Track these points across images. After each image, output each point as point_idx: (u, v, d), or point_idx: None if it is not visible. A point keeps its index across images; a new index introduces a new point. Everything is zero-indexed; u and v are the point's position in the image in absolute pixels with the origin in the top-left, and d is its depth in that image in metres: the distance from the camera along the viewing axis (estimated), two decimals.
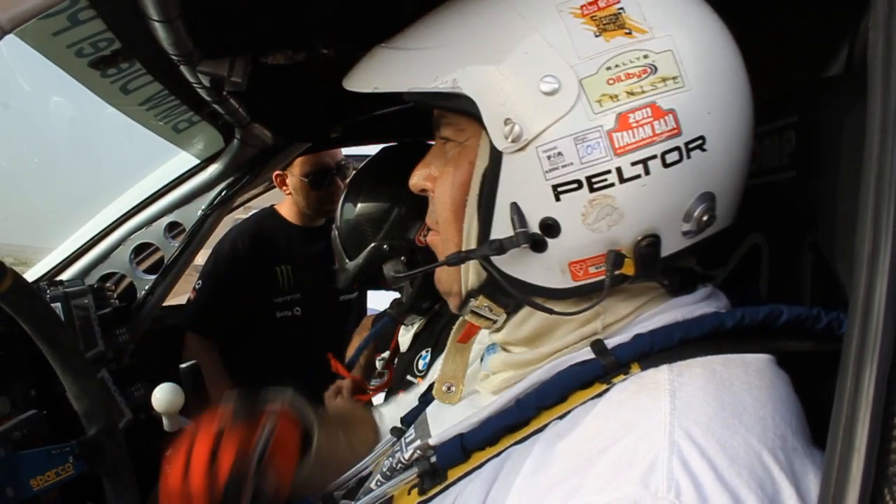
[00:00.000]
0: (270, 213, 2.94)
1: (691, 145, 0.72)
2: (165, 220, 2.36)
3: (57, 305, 1.88)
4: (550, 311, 0.80)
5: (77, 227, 2.41)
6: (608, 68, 0.71)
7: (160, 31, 1.21)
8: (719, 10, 0.78)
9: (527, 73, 0.73)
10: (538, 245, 0.76)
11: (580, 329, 0.81)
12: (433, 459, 0.83)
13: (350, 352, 2.38)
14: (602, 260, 0.75)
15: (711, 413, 0.66)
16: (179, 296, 2.88)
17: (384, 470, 0.95)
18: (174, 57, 1.36)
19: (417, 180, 0.90)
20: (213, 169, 2.34)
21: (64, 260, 2.33)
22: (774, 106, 0.99)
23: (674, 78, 0.72)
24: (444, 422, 0.91)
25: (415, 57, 0.80)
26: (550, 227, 0.75)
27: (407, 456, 0.91)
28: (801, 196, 0.93)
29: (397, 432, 1.05)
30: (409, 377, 1.87)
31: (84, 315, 2.01)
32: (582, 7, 0.73)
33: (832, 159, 0.85)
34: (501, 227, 0.77)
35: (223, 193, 2.36)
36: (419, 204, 1.71)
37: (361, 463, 1.08)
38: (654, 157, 0.71)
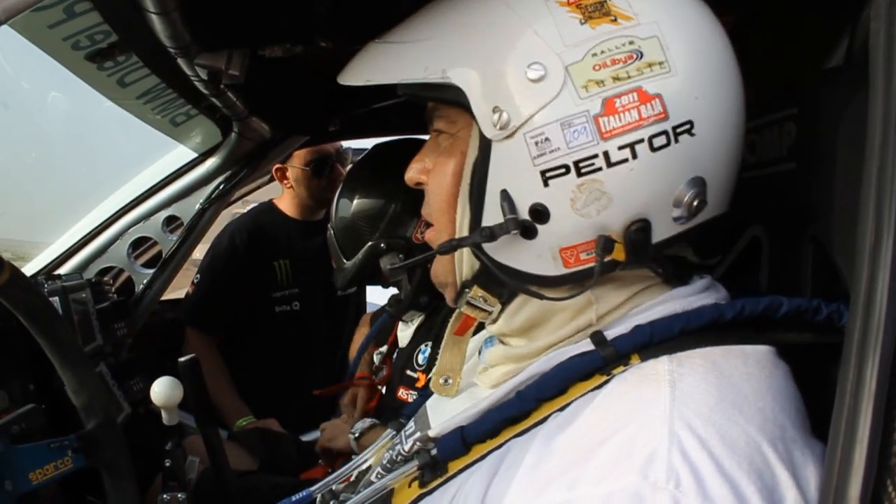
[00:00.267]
0: (269, 207, 2.93)
1: (679, 130, 0.73)
2: (163, 214, 2.36)
3: (55, 299, 1.87)
4: (542, 297, 0.80)
5: (75, 222, 2.41)
6: (594, 55, 0.72)
7: (157, 23, 1.20)
8: (719, 2, 0.78)
9: (513, 62, 0.74)
10: (528, 231, 0.76)
11: (574, 320, 0.82)
12: (433, 452, 0.83)
13: (353, 351, 2.38)
14: (593, 246, 0.75)
15: (711, 403, 0.66)
16: (177, 290, 2.88)
17: (384, 462, 0.95)
18: (171, 50, 1.36)
19: (413, 174, 0.91)
20: (211, 163, 2.34)
21: (62, 254, 2.33)
22: (774, 97, 0.99)
23: (660, 63, 0.72)
24: (444, 413, 0.91)
25: (406, 50, 0.82)
26: (540, 213, 0.75)
27: (407, 448, 0.92)
28: (802, 188, 0.93)
29: (397, 425, 1.06)
30: (408, 372, 1.87)
31: (82, 309, 2.00)
32: None
33: (832, 151, 0.85)
34: (492, 215, 0.78)
35: (221, 187, 2.36)
36: (415, 200, 1.71)
37: (361, 455, 1.08)
38: (641, 140, 0.72)
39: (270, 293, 2.77)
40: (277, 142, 2.35)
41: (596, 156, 0.72)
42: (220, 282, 2.71)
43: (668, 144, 0.73)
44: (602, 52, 0.72)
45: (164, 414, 1.45)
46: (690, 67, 0.73)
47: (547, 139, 0.73)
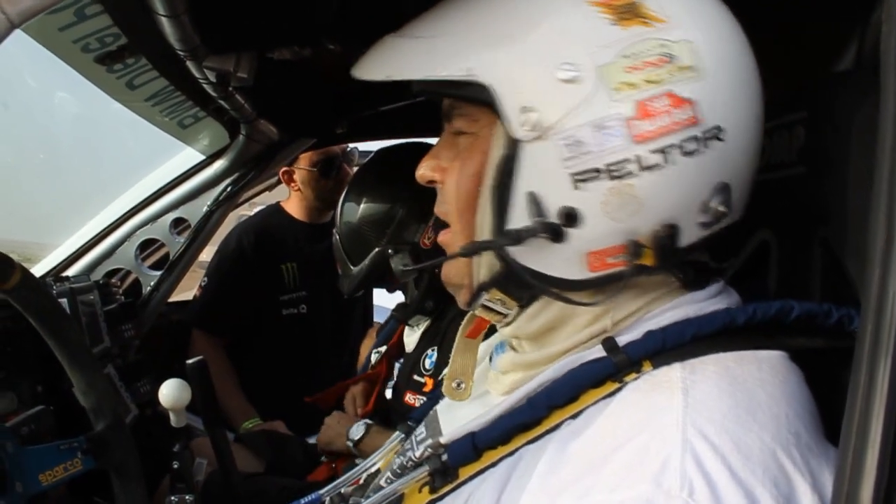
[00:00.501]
0: (276, 209, 2.93)
1: (709, 134, 0.72)
2: (171, 216, 2.37)
3: (63, 301, 1.88)
4: (568, 301, 0.79)
5: (83, 223, 2.42)
6: (625, 56, 0.71)
7: (166, 26, 1.21)
8: (728, 3, 0.78)
9: (544, 61, 0.72)
10: (557, 235, 0.75)
11: (590, 327, 0.81)
12: (444, 458, 0.83)
13: (361, 362, 2.40)
14: (620, 251, 0.74)
15: (725, 410, 0.66)
16: (185, 292, 2.88)
17: (395, 468, 0.95)
18: (180, 52, 1.36)
19: (425, 171, 0.88)
20: (219, 165, 2.35)
21: (70, 256, 2.34)
22: (783, 101, 0.98)
23: (691, 67, 0.71)
24: (455, 419, 0.90)
25: (427, 45, 0.79)
26: (571, 217, 0.73)
27: (418, 454, 0.91)
28: (811, 192, 0.93)
29: (406, 428, 1.05)
30: (416, 377, 1.87)
31: (90, 311, 2.01)
32: None
33: (842, 155, 0.85)
34: (518, 217, 0.76)
35: (228, 189, 2.36)
36: (422, 205, 1.72)
37: (370, 459, 1.08)
38: (673, 145, 0.71)
39: (278, 296, 2.78)
40: (285, 144, 2.35)
41: (629, 160, 0.71)
42: (227, 284, 2.71)
43: (698, 150, 0.72)
44: (633, 53, 0.71)
45: (172, 416, 1.45)
46: (720, 72, 0.72)
47: (579, 141, 0.71)
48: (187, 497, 1.42)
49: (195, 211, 2.37)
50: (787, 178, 0.97)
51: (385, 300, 2.61)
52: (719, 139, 0.72)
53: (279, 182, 2.88)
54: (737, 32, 0.76)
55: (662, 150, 0.71)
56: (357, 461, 1.51)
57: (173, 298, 2.60)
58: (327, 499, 1.10)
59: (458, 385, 0.96)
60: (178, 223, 2.40)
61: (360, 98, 2.12)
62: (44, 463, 1.06)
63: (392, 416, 1.99)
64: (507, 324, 0.87)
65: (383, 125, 2.40)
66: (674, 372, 0.71)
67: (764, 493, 0.61)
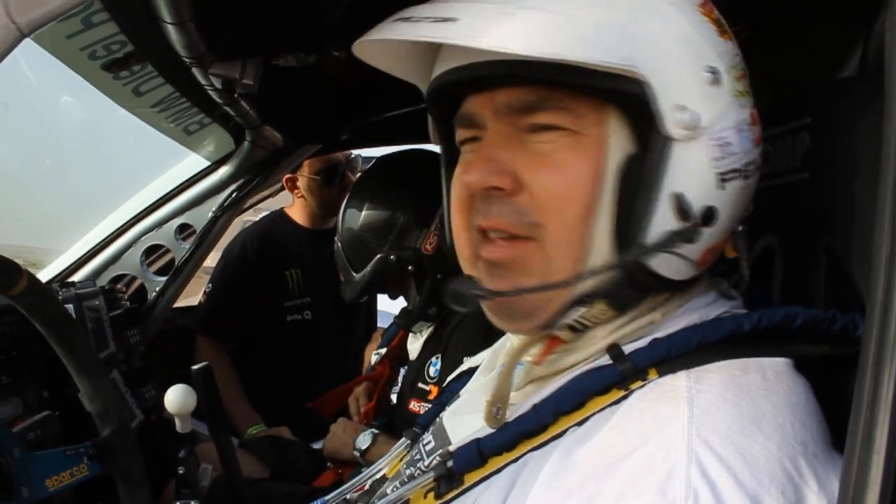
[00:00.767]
0: (280, 216, 2.94)
1: None
2: (176, 221, 2.38)
3: (69, 307, 1.89)
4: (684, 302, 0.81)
5: (88, 229, 2.43)
6: (733, 66, 0.75)
7: (173, 33, 1.22)
8: (733, 11, 0.79)
9: (692, 62, 0.73)
10: (695, 235, 0.74)
11: (613, 334, 0.79)
12: (450, 464, 0.82)
13: (366, 365, 2.40)
14: (721, 246, 0.79)
15: (730, 421, 0.65)
16: (190, 297, 2.89)
17: (403, 477, 0.94)
18: (186, 59, 1.37)
19: (485, 176, 0.76)
20: (224, 171, 2.36)
21: (75, 261, 2.35)
22: (787, 107, 0.99)
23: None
24: (462, 425, 0.90)
25: (563, 21, 0.69)
26: (709, 216, 0.74)
27: (426, 463, 0.91)
28: (815, 198, 0.93)
29: (412, 434, 1.05)
30: (420, 384, 1.87)
31: (96, 316, 2.02)
32: (702, 5, 0.76)
33: (846, 161, 0.85)
34: (661, 221, 0.73)
35: (233, 195, 2.38)
36: (423, 211, 1.72)
37: (375, 465, 1.07)
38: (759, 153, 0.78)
39: (282, 302, 2.79)
40: (290, 150, 2.37)
41: (754, 161, 0.77)
42: (231, 290, 2.72)
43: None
44: (734, 66, 0.75)
45: (177, 421, 1.46)
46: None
47: (728, 143, 0.73)
48: (192, 502, 1.43)
49: (200, 217, 2.38)
50: (791, 184, 0.97)
51: (389, 305, 2.61)
52: None
53: (282, 188, 2.89)
54: None
55: (761, 155, 0.78)
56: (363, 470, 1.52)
57: (178, 304, 2.61)
58: None
59: (498, 411, 0.81)
60: (184, 229, 2.41)
61: (364, 104, 2.13)
62: (50, 468, 1.06)
63: (397, 423, 1.99)
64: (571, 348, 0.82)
65: (388, 131, 2.40)
66: (679, 381, 0.70)
67: (770, 501, 0.61)
